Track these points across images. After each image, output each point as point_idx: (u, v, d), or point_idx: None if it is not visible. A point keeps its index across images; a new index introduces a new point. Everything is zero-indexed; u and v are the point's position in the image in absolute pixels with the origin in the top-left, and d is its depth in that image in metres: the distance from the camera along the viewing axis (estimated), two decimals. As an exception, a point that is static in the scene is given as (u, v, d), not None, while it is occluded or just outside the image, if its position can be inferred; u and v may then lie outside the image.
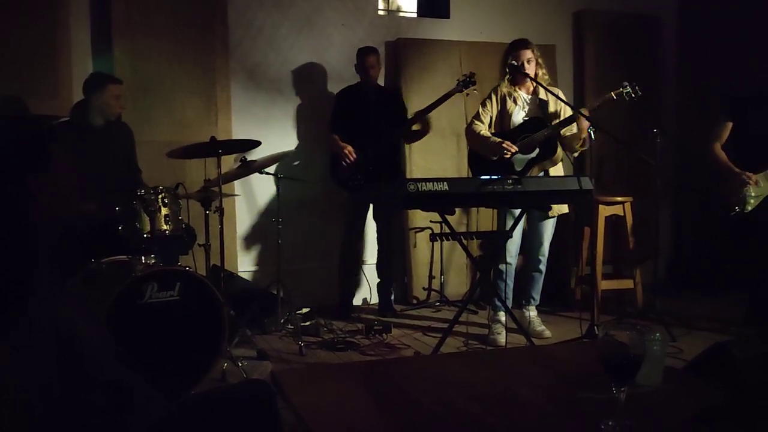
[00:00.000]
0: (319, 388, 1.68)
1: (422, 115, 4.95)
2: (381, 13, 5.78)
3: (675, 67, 6.41)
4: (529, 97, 4.39)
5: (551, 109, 4.32)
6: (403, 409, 1.53)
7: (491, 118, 4.39)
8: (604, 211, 4.98)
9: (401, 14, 5.96)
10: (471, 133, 4.42)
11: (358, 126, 4.94)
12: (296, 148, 5.23)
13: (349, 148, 4.86)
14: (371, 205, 5.16)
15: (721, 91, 5.10)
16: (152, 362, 3.19)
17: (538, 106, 4.32)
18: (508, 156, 4.18)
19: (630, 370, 1.38)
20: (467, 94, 4.84)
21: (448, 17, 5.84)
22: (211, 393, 2.04)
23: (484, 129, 4.35)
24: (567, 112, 4.30)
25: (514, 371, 1.82)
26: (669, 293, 5.55)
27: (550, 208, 4.13)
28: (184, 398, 2.63)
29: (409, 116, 5.11)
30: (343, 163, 4.87)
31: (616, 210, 5.04)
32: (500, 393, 1.61)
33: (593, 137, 3.97)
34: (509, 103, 4.35)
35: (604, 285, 5.02)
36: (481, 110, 4.42)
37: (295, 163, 5.07)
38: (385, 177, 4.94)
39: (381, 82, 5.60)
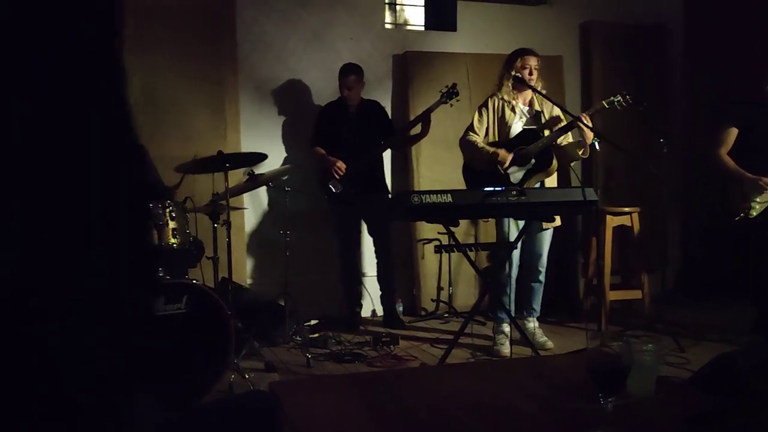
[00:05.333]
0: (316, 398, 1.71)
1: (407, 130, 4.98)
2: (388, 26, 5.83)
3: (682, 77, 6.40)
4: (526, 108, 4.39)
5: (545, 120, 4.34)
6: (396, 418, 1.55)
7: (487, 128, 4.36)
8: (612, 221, 4.98)
9: (408, 27, 6.01)
10: (466, 144, 4.39)
11: (340, 140, 4.99)
12: (304, 161, 5.27)
13: (340, 162, 4.91)
14: (364, 219, 5.20)
15: (728, 100, 5.09)
16: (159, 375, 3.23)
17: (534, 117, 4.34)
18: (505, 166, 4.18)
19: (616, 380, 1.40)
20: (451, 105, 4.86)
21: (454, 30, 5.87)
22: (212, 403, 2.07)
23: (479, 140, 4.33)
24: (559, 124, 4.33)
25: (509, 381, 1.84)
26: (678, 303, 5.53)
27: (554, 220, 4.13)
28: (184, 408, 2.66)
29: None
30: (335, 176, 4.91)
31: (624, 220, 5.03)
32: (493, 402, 1.63)
33: (597, 147, 3.99)
34: (508, 113, 4.33)
35: (612, 295, 5.02)
36: (476, 121, 4.38)
37: (303, 175, 5.09)
38: (370, 190, 4.99)
39: (388, 94, 5.66)
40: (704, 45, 6.19)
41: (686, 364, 3.93)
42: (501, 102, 4.37)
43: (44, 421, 0.71)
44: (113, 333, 0.76)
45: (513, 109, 4.34)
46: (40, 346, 0.72)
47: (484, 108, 4.40)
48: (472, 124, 4.41)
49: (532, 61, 4.28)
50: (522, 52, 4.33)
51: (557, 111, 4.35)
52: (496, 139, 4.36)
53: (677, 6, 6.39)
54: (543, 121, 4.32)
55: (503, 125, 4.34)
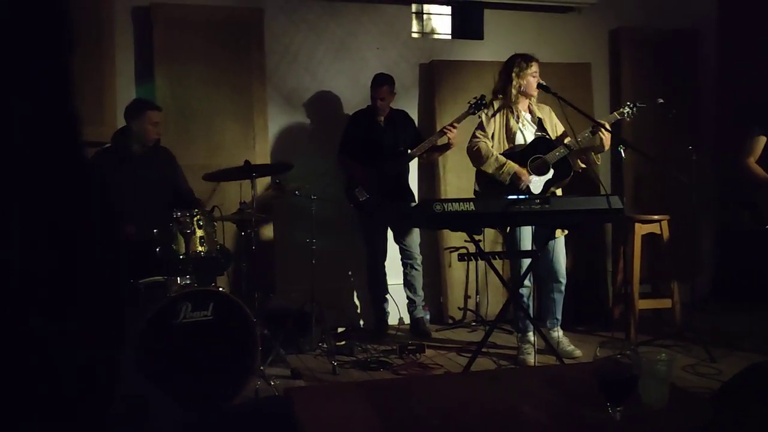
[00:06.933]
0: (329, 405, 1.73)
1: (437, 138, 4.98)
2: (415, 35, 5.85)
3: (714, 82, 6.30)
4: (528, 115, 4.34)
5: (547, 126, 4.31)
6: (406, 425, 1.56)
7: (492, 135, 4.30)
8: (641, 229, 4.92)
9: (435, 36, 6.03)
10: (480, 153, 4.26)
11: (368, 148, 5.01)
12: (331, 169, 5.30)
13: (367, 172, 4.94)
14: (390, 227, 5.20)
15: (761, 106, 5.02)
16: (186, 381, 3.29)
17: (538, 123, 4.31)
18: (523, 188, 4.14)
19: (625, 389, 1.39)
20: (479, 117, 4.85)
21: (481, 38, 5.87)
22: (229, 407, 2.11)
23: (492, 149, 4.26)
24: (559, 131, 4.33)
25: (522, 389, 1.84)
26: (710, 312, 5.44)
27: (578, 227, 4.10)
28: (203, 411, 2.70)
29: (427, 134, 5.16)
30: (361, 185, 4.94)
31: (653, 228, 4.97)
32: (503, 410, 1.64)
33: (623, 154, 3.96)
34: (512, 120, 4.28)
35: (642, 304, 4.95)
36: (485, 124, 4.33)
37: (329, 183, 5.13)
38: (396, 198, 5.00)
39: (415, 103, 5.68)
40: (738, 50, 6.09)
41: (717, 375, 3.87)
42: (507, 108, 4.31)
43: (26, 422, 0.73)
44: (84, 336, 0.78)
45: (517, 117, 4.29)
46: (16, 349, 0.74)
47: (491, 115, 4.36)
48: (481, 126, 4.35)
49: (537, 68, 4.26)
50: (529, 58, 4.26)
51: (559, 124, 4.31)
52: (504, 147, 4.29)
53: (710, 9, 6.30)
54: (546, 127, 4.29)
55: (509, 131, 4.29)
